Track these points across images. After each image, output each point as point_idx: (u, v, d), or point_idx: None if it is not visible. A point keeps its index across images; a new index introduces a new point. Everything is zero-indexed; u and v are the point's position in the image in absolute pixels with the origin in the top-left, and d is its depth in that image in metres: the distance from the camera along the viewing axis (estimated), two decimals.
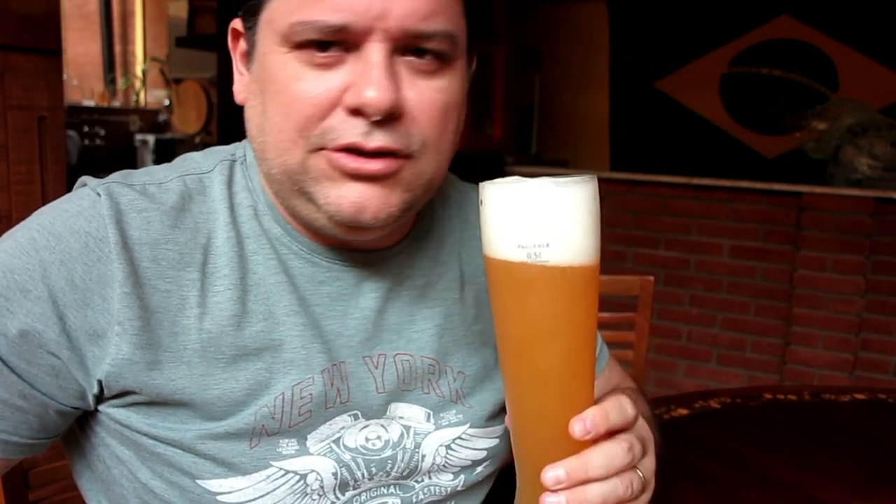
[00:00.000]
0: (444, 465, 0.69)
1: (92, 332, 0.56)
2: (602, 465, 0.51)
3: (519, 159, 3.65)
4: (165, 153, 3.68)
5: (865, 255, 2.90)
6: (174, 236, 0.59)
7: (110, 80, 4.56)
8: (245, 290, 0.60)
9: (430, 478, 0.69)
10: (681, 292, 3.22)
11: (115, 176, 0.61)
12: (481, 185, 0.51)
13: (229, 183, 0.64)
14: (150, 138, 3.72)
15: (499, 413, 0.73)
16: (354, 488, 0.65)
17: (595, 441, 0.52)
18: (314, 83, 0.54)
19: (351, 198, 0.56)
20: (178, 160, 0.66)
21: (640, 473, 0.54)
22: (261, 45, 0.58)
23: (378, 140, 0.54)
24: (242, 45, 0.62)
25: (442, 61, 0.57)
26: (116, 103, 4.36)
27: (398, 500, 0.68)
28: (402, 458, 0.67)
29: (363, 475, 0.65)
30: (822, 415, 1.27)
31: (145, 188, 0.60)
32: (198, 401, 0.59)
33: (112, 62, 4.57)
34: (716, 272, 3.18)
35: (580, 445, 0.52)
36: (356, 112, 0.54)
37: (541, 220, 0.49)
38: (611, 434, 0.53)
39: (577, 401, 0.52)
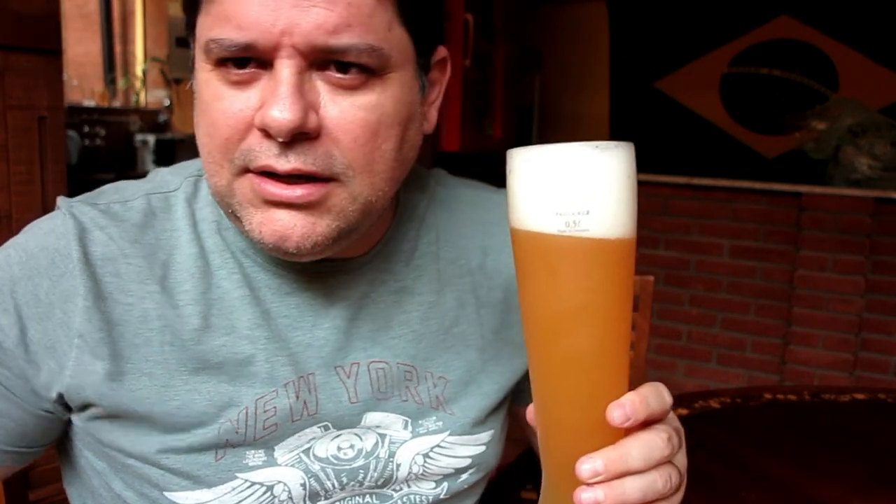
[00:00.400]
0: (422, 474, 0.68)
1: (50, 345, 0.57)
2: (641, 457, 0.46)
3: None
4: (166, 153, 3.68)
5: (865, 255, 2.90)
6: (134, 251, 0.59)
7: (110, 80, 4.56)
8: (208, 305, 0.60)
9: (408, 486, 0.68)
10: (681, 292, 3.22)
11: (85, 196, 0.63)
12: (509, 152, 0.47)
13: (192, 199, 0.64)
14: (151, 138, 3.72)
15: (486, 419, 0.71)
16: (326, 498, 0.64)
17: (629, 431, 0.47)
18: (231, 102, 0.52)
19: (272, 226, 0.54)
20: (150, 176, 0.67)
21: (677, 467, 0.49)
22: (196, 61, 0.56)
23: (291, 162, 0.51)
24: None
25: (369, 75, 0.52)
26: (117, 103, 4.36)
27: None
28: (375, 468, 0.65)
29: (333, 485, 0.64)
30: (822, 415, 1.27)
31: (109, 207, 0.61)
32: (158, 413, 0.59)
33: (112, 62, 4.58)
34: (716, 272, 3.18)
35: (614, 435, 0.47)
36: (267, 133, 0.51)
37: (581, 186, 0.44)
38: (647, 424, 0.48)
39: (612, 386, 0.48)
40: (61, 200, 0.61)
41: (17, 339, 0.57)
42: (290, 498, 0.62)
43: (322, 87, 0.52)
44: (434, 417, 0.68)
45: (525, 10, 3.88)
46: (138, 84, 4.60)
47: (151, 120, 4.07)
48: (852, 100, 3.38)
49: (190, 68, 0.58)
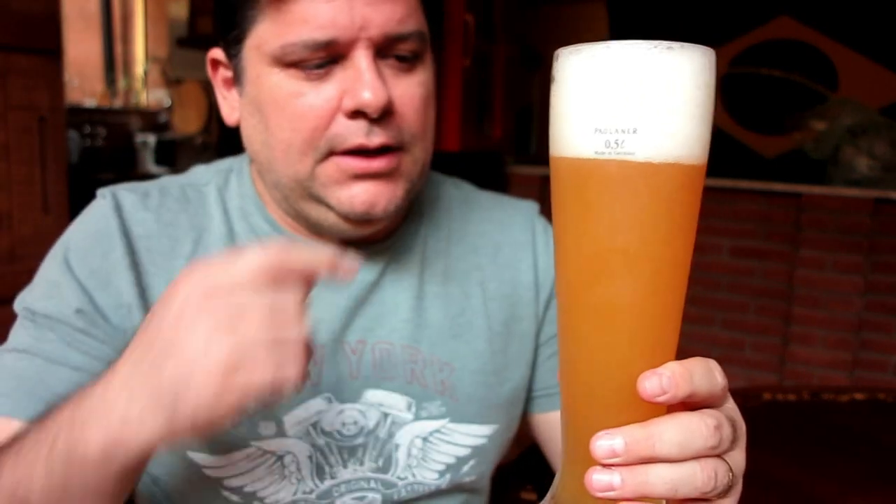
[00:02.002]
0: (423, 459, 0.70)
1: (115, 307, 0.64)
2: (675, 442, 0.37)
3: (519, 159, 3.65)
4: (166, 153, 3.68)
5: (865, 255, 2.90)
6: (168, 231, 0.67)
7: (111, 81, 4.56)
8: None
9: (413, 476, 0.70)
10: None
11: (126, 184, 0.71)
12: (556, 52, 0.39)
13: (224, 190, 0.72)
14: (151, 138, 3.72)
15: (491, 411, 0.73)
16: (331, 477, 0.67)
17: (672, 411, 0.39)
18: (313, 96, 0.60)
19: (362, 197, 0.62)
20: (189, 172, 0.75)
21: (728, 466, 0.39)
22: (251, 68, 0.63)
23: (379, 137, 0.61)
24: (224, 72, 0.68)
25: (416, 59, 0.63)
26: (117, 104, 4.36)
27: (378, 496, 0.69)
28: (374, 447, 0.68)
29: (336, 461, 0.67)
30: (822, 415, 1.27)
31: (148, 193, 0.69)
32: None
33: (112, 62, 4.57)
34: (715, 272, 3.18)
35: (650, 412, 0.38)
36: (355, 115, 0.60)
37: (627, 97, 0.35)
38: (692, 405, 0.39)
39: (653, 351, 0.39)
40: (103, 189, 0.69)
41: (92, 307, 0.63)
42: (299, 469, 0.66)
43: (387, 72, 0.61)
44: (438, 402, 0.70)
45: (525, 10, 3.88)
46: (139, 84, 4.60)
47: (152, 120, 4.07)
48: (852, 100, 3.38)
49: (229, 81, 0.67)
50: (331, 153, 0.61)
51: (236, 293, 0.43)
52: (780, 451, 1.10)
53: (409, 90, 0.63)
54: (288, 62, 0.59)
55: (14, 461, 0.48)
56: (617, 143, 0.35)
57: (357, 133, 0.60)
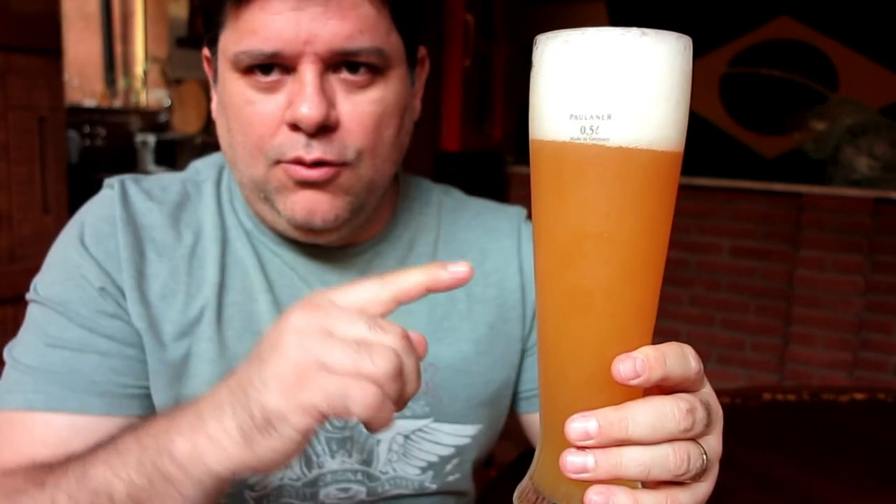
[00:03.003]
0: (403, 455, 0.71)
1: (132, 287, 0.65)
2: (648, 424, 0.38)
3: (519, 159, 3.65)
4: (166, 153, 3.68)
5: (865, 255, 2.90)
6: (171, 224, 0.70)
7: (111, 81, 4.56)
8: (226, 267, 0.70)
9: (394, 470, 0.71)
10: (680, 292, 3.23)
11: (130, 175, 0.73)
12: (535, 38, 0.40)
13: (218, 184, 0.74)
14: (151, 138, 3.72)
15: (475, 411, 0.74)
16: (319, 467, 0.69)
17: (647, 395, 0.40)
18: (262, 105, 0.62)
19: (301, 204, 0.64)
20: (188, 169, 0.77)
21: (702, 449, 0.40)
22: (220, 71, 0.65)
23: (316, 152, 0.61)
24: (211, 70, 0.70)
25: (375, 73, 0.62)
26: (117, 103, 4.36)
27: (363, 489, 0.70)
28: (359, 439, 0.69)
29: (324, 450, 0.69)
30: (822, 415, 1.27)
31: (151, 189, 0.71)
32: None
33: (112, 62, 4.57)
34: (715, 272, 3.18)
35: (624, 396, 0.39)
36: (295, 127, 0.61)
37: (602, 83, 0.35)
38: (667, 390, 0.40)
39: (627, 335, 0.39)
40: (110, 179, 0.71)
41: (114, 287, 0.65)
42: None
43: (337, 87, 0.61)
44: (423, 402, 0.71)
45: (525, 10, 3.88)
46: (139, 84, 4.60)
47: (152, 120, 4.07)
48: (852, 100, 3.38)
49: (213, 80, 0.69)
50: (278, 161, 0.63)
51: (344, 344, 0.43)
52: (780, 451, 1.10)
53: (360, 107, 0.62)
54: (242, 69, 0.61)
55: (105, 459, 0.49)
56: (592, 129, 0.36)
57: (296, 145, 0.61)
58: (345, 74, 0.61)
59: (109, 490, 0.47)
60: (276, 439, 0.43)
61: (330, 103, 0.60)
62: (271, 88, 0.61)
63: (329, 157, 0.61)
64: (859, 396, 1.35)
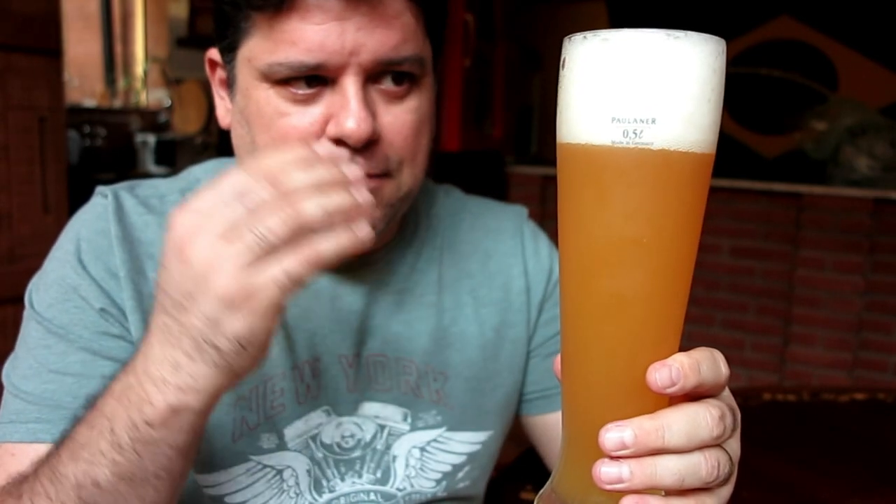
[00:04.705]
0: (421, 469, 0.70)
1: (132, 308, 0.62)
2: (684, 433, 0.38)
3: (519, 159, 3.65)
4: (166, 153, 3.68)
5: (865, 255, 2.90)
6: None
7: (111, 81, 4.56)
8: None
9: (411, 486, 0.70)
10: None
11: (124, 184, 0.69)
12: (566, 39, 0.38)
13: None
14: (151, 138, 3.72)
15: (485, 418, 0.73)
16: (329, 491, 0.67)
17: (674, 402, 0.39)
18: (298, 117, 0.58)
19: None
20: (183, 174, 0.73)
21: (728, 454, 0.41)
22: (241, 78, 0.61)
23: (360, 167, 0.58)
24: (221, 73, 0.66)
25: (413, 83, 0.61)
26: (117, 103, 4.36)
27: None
28: (373, 459, 0.68)
29: (333, 474, 0.67)
30: (822, 415, 1.27)
31: (147, 200, 0.67)
32: None
33: (112, 62, 4.57)
34: (716, 272, 3.18)
35: (655, 404, 0.38)
36: (339, 141, 0.58)
37: (648, 85, 0.35)
38: (696, 396, 0.40)
39: (661, 342, 0.38)
40: (103, 188, 0.67)
41: (114, 306, 0.62)
42: (297, 483, 0.66)
43: (377, 98, 0.59)
44: (434, 411, 0.71)
45: (525, 10, 3.88)
46: (139, 84, 4.60)
47: (152, 120, 4.07)
48: (852, 100, 3.39)
49: (224, 86, 0.65)
50: None
51: (226, 206, 0.43)
52: (780, 452, 1.10)
53: (400, 118, 0.60)
54: (275, 80, 0.58)
55: (71, 456, 0.48)
56: (635, 133, 0.35)
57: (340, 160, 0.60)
58: (387, 85, 0.59)
59: (93, 478, 0.47)
60: (251, 351, 0.44)
61: (373, 116, 0.58)
62: (307, 100, 0.58)
63: (373, 170, 0.59)
64: (859, 396, 1.35)
